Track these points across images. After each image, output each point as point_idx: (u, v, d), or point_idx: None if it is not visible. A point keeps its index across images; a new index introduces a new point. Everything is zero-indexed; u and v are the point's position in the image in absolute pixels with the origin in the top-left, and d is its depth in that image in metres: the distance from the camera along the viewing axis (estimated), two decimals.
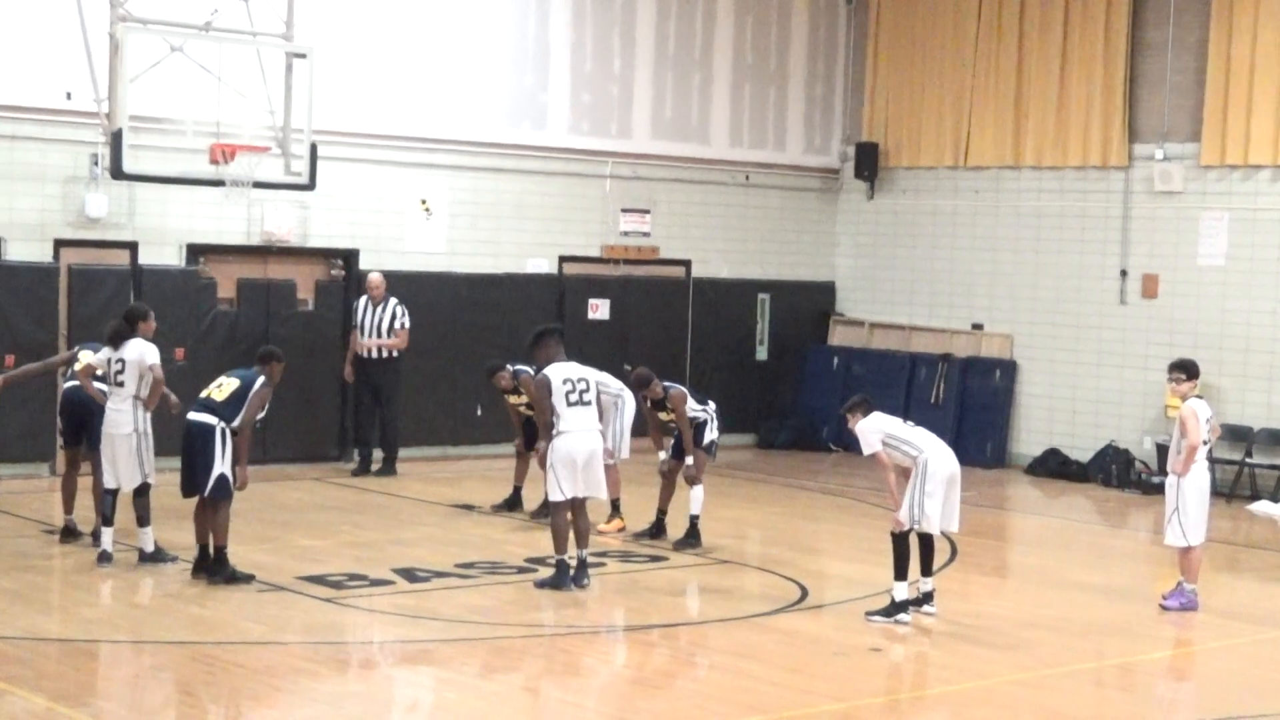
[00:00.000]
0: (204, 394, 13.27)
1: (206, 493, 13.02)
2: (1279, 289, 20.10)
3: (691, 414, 15.31)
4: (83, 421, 14.20)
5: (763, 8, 23.38)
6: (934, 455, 12.60)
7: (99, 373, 13.79)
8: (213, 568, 13.12)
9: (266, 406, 13.42)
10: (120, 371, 13.60)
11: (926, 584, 12.87)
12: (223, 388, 13.18)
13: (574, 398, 13.24)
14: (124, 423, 13.57)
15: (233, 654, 11.18)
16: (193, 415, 13.16)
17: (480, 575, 13.94)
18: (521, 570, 14.13)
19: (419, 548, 15.02)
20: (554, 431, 13.16)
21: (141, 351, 13.60)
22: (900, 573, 12.58)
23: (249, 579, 13.15)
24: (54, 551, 14.35)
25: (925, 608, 12.80)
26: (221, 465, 13.00)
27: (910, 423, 13.03)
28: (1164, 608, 13.48)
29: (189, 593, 12.88)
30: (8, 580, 13.07)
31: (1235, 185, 20.48)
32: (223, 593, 12.85)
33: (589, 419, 13.32)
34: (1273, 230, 20.16)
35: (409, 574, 13.81)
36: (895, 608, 12.60)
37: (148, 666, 10.91)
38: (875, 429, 12.70)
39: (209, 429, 13.00)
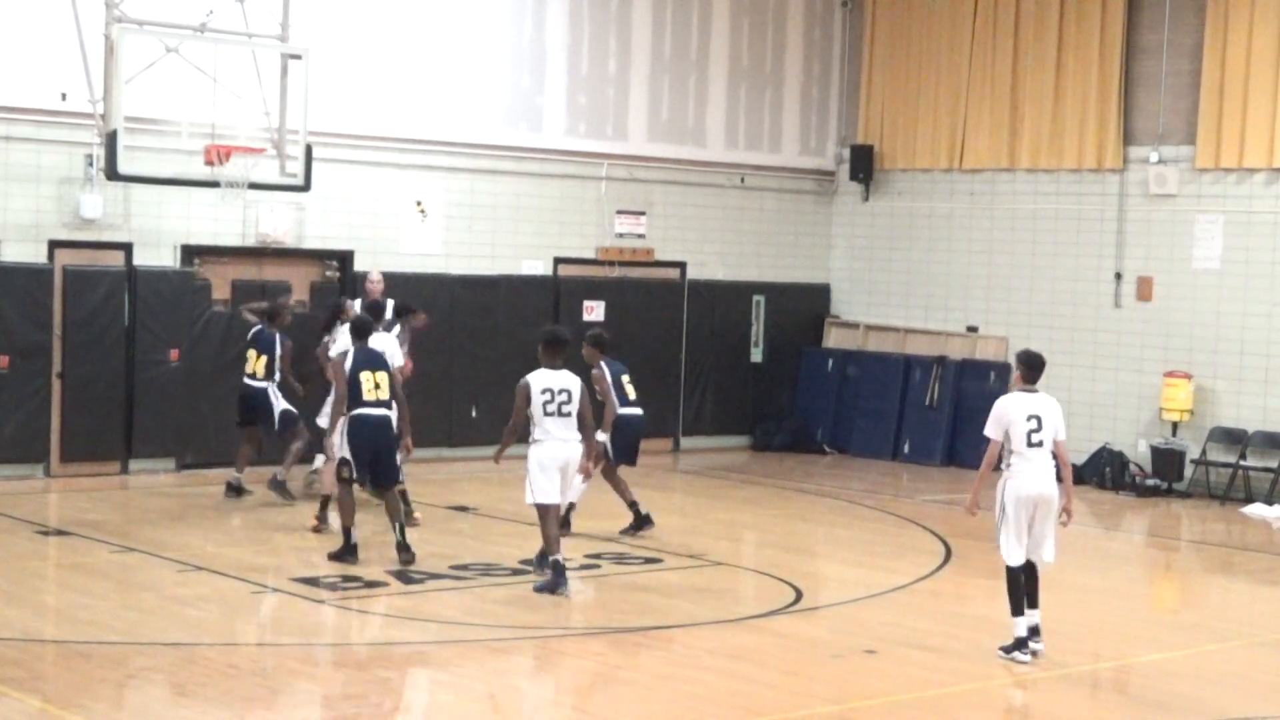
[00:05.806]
0: (368, 396, 14.03)
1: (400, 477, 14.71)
2: (1273, 292, 20.13)
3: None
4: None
5: (758, 10, 23.38)
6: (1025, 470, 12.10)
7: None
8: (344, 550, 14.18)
9: None
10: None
11: (1033, 616, 11.99)
12: (380, 387, 14.09)
13: (551, 408, 13.26)
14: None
15: (227, 655, 11.18)
16: (374, 412, 14.08)
17: (474, 577, 13.93)
18: (515, 572, 14.12)
19: (413, 549, 14.99)
20: (531, 439, 13.30)
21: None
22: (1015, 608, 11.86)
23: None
24: (49, 553, 14.32)
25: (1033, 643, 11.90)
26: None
27: (1034, 420, 12.22)
28: None
29: (183, 594, 12.87)
30: (2, 581, 13.06)
31: (1230, 188, 20.49)
32: (217, 594, 12.85)
33: (565, 429, 13.32)
34: (1267, 233, 20.19)
35: (403, 576, 13.80)
36: (1016, 645, 11.81)
37: (141, 668, 10.89)
38: (1000, 419, 12.09)
39: (390, 422, 14.26)
